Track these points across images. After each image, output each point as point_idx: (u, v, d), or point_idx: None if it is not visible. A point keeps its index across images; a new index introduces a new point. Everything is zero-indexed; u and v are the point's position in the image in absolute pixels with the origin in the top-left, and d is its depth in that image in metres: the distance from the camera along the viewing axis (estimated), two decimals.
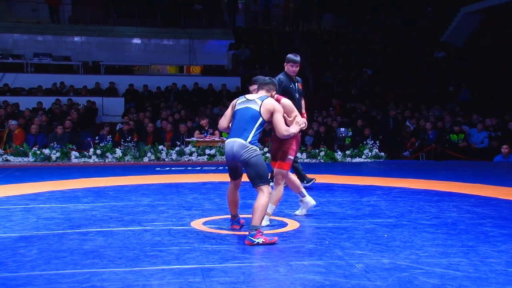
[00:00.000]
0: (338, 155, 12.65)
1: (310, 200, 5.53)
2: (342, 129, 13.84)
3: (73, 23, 20.00)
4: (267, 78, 4.91)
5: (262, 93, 4.74)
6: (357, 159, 12.58)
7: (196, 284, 3.28)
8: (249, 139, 4.44)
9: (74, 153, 11.96)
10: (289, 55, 6.84)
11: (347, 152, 12.76)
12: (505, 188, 7.71)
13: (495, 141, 13.30)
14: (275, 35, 20.89)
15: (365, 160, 12.53)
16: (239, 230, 4.78)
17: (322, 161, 12.45)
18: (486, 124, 13.87)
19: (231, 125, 4.65)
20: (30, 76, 17.26)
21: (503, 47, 18.65)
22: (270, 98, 4.66)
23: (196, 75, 19.10)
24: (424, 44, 20.26)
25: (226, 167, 4.71)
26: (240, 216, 4.90)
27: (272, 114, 4.57)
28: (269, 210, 4.92)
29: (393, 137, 13.94)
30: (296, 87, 6.94)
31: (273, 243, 4.23)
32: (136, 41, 20.13)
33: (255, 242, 4.18)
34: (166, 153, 12.22)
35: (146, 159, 12.05)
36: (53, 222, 5.16)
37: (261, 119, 4.52)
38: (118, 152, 12.07)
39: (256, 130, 4.50)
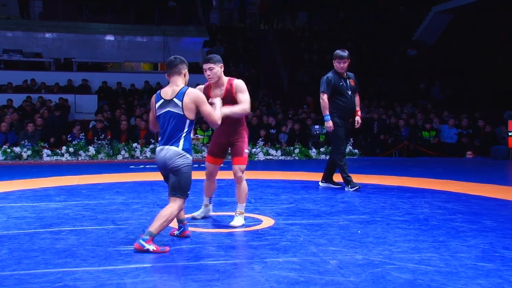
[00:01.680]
0: (313, 152, 12.74)
1: (210, 210, 5.25)
2: (317, 127, 13.93)
3: (44, 19, 19.69)
4: (171, 58, 4.37)
5: (177, 81, 4.24)
6: None
7: (171, 282, 3.26)
8: (181, 146, 4.10)
9: (46, 151, 11.79)
10: (336, 51, 6.69)
11: (322, 149, 12.86)
12: (474, 184, 7.86)
13: (465, 138, 13.57)
14: (250, 33, 20.89)
15: None
16: (207, 225, 4.78)
17: (296, 158, 12.51)
18: (457, 122, 14.13)
19: (160, 129, 4.23)
20: (0, 72, 16.93)
21: (472, 46, 19.02)
22: (188, 92, 4.14)
23: None
24: (397, 43, 20.52)
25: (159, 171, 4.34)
26: (213, 214, 4.89)
27: (197, 107, 4.15)
28: (238, 209, 4.87)
29: (378, 137, 13.91)
30: (348, 84, 6.74)
31: (164, 253, 3.89)
32: (109, 38, 19.91)
33: (145, 248, 3.85)
34: (140, 150, 12.14)
35: (120, 157, 11.95)
36: (24, 221, 5.07)
37: (188, 121, 4.13)
38: (92, 150, 11.95)
39: (186, 134, 4.15)
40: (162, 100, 4.20)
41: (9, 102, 14.70)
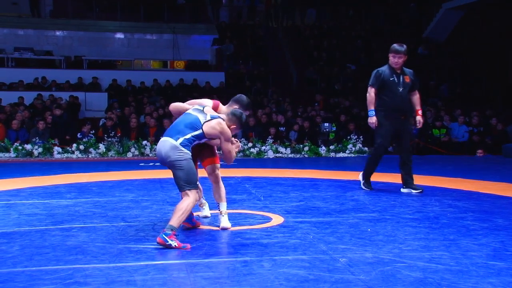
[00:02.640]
0: (322, 150, 12.71)
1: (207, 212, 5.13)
2: (326, 124, 13.89)
3: (55, 17, 19.80)
4: (238, 111, 4.47)
5: (224, 111, 4.53)
6: (341, 154, 12.65)
7: (180, 279, 3.27)
8: (179, 141, 4.17)
9: (56, 149, 11.86)
10: (393, 45, 6.35)
11: (331, 147, 12.83)
12: (486, 182, 7.80)
13: (477, 136, 13.47)
14: (259, 31, 20.88)
15: (349, 155, 12.61)
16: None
17: (306, 156, 12.49)
18: (467, 120, 14.03)
19: (172, 124, 4.44)
20: (11, 70, 17.06)
21: (483, 43, 18.87)
22: (220, 121, 4.31)
23: (180, 70, 19.03)
24: (407, 40, 20.41)
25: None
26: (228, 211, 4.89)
27: (216, 137, 4.33)
28: (223, 209, 4.71)
29: None
30: (401, 80, 6.36)
31: (186, 250, 3.92)
32: (119, 35, 19.98)
33: (168, 243, 3.90)
34: (150, 148, 12.17)
35: (129, 155, 11.99)
36: (35, 218, 5.11)
37: (200, 131, 4.24)
38: (102, 147, 12.00)
39: (191, 137, 4.22)
40: (201, 108, 4.40)
41: (20, 100, 14.80)
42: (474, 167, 10.55)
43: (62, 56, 18.21)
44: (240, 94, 4.79)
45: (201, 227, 4.72)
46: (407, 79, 6.42)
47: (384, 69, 6.43)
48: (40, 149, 11.75)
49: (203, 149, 4.72)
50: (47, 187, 7.22)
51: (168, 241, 3.91)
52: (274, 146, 12.58)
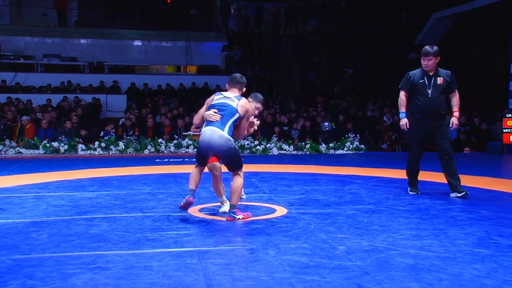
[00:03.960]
0: (322, 147, 12.69)
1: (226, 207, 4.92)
2: (326, 124, 13.86)
3: (79, 27, 19.87)
4: (238, 75, 4.76)
5: (235, 91, 4.63)
6: (340, 151, 12.63)
7: (193, 265, 3.28)
8: (226, 131, 4.40)
9: (80, 146, 11.90)
10: (423, 47, 5.76)
11: (331, 144, 12.81)
12: (472, 176, 7.76)
13: (464, 134, 13.40)
14: (265, 38, 20.85)
15: (347, 152, 12.58)
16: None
17: (307, 153, 12.48)
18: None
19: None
20: (40, 75, 17.14)
21: (470, 49, 18.75)
22: (245, 100, 4.59)
23: (192, 74, 19.03)
24: (400, 46, 20.32)
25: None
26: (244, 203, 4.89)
27: (244, 114, 4.54)
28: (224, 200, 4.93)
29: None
30: (432, 82, 5.74)
31: (249, 218, 4.52)
32: (137, 43, 20.01)
33: (237, 218, 4.39)
34: (165, 146, 12.20)
35: (146, 152, 12.02)
36: (61, 209, 5.13)
37: (237, 114, 4.48)
38: (121, 145, 12.04)
39: (231, 124, 4.46)
40: (221, 95, 4.57)
41: (48, 102, 14.87)
42: (461, 163, 10.48)
43: (86, 62, 18.28)
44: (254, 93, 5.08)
45: (212, 217, 4.72)
46: (441, 81, 5.80)
47: (416, 71, 5.90)
48: (66, 147, 11.81)
49: None
50: (72, 180, 7.26)
51: (236, 216, 4.39)
52: (278, 143, 12.57)
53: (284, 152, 12.43)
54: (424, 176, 7.74)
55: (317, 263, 3.29)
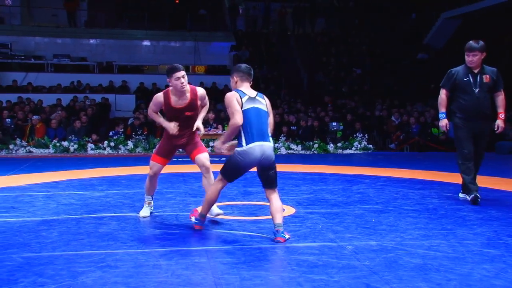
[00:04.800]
0: (330, 147, 12.66)
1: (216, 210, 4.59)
2: (334, 123, 13.82)
3: (89, 27, 19.97)
4: (247, 66, 4.08)
5: (248, 85, 4.03)
6: (348, 151, 12.59)
7: (201, 264, 3.28)
8: (272, 141, 3.97)
9: (90, 145, 11.96)
10: (468, 42, 5.29)
11: (339, 144, 12.77)
12: (480, 176, 7.67)
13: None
14: (273, 38, 20.83)
15: (355, 152, 12.54)
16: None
17: (315, 152, 12.45)
18: None
19: (248, 126, 3.86)
20: (50, 75, 17.23)
21: None
22: (264, 96, 4.09)
23: (201, 74, 19.06)
24: (408, 46, 20.23)
25: (235, 169, 3.95)
26: (239, 203, 4.88)
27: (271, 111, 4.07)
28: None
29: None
30: (477, 80, 5.27)
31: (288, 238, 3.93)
32: (146, 43, 20.07)
33: (286, 238, 3.81)
34: None
35: None
36: (71, 207, 5.16)
37: (269, 118, 4.02)
38: (130, 144, 12.08)
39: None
40: (247, 97, 3.93)
41: (58, 101, 14.94)
42: None
43: (95, 62, 18.36)
44: (238, 68, 4.12)
45: (220, 217, 4.71)
46: (487, 79, 5.31)
47: (459, 69, 5.41)
48: (76, 146, 11.86)
49: (189, 145, 4.52)
50: (81, 180, 7.29)
51: (286, 236, 3.81)
52: (286, 143, 12.56)
53: (292, 151, 12.42)
54: (432, 176, 7.70)
55: (325, 263, 3.28)
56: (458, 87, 5.38)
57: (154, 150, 4.46)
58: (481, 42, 5.27)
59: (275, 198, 3.95)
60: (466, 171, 5.46)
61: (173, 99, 4.42)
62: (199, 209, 4.25)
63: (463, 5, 18.42)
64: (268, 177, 3.94)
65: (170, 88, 4.43)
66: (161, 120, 4.51)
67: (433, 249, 3.58)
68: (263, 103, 3.99)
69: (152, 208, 4.88)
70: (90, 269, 3.15)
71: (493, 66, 5.56)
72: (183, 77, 4.30)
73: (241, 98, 3.89)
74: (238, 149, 3.88)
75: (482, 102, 5.33)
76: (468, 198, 5.38)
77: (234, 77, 4.06)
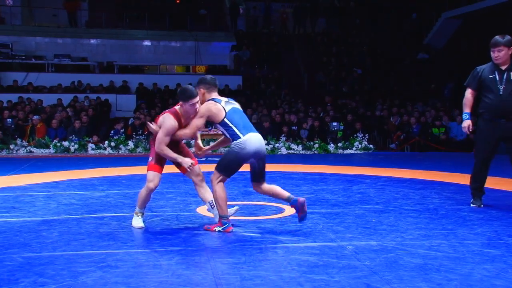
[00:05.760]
0: (331, 147, 12.65)
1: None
2: (335, 123, 13.82)
3: (89, 27, 19.98)
4: (212, 77, 4.20)
5: (217, 94, 4.16)
6: (348, 151, 12.58)
7: (202, 264, 3.28)
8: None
9: (90, 145, 11.96)
10: (493, 38, 4.92)
11: (339, 144, 12.77)
12: None
13: (473, 134, 13.28)
14: (273, 38, 20.83)
15: (355, 152, 12.53)
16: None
17: (316, 152, 12.45)
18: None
19: (237, 122, 4.01)
20: (51, 75, 17.25)
21: (479, 49, 18.61)
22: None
23: (201, 74, 19.06)
24: (409, 46, 20.22)
25: (239, 162, 4.01)
26: (240, 203, 4.88)
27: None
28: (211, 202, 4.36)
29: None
30: (505, 78, 4.87)
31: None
32: (147, 43, 20.08)
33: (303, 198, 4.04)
34: None
35: None
36: (72, 207, 5.16)
37: None
38: (131, 144, 12.08)
39: None
40: (226, 99, 4.14)
41: (58, 101, 14.95)
42: (470, 163, 10.39)
43: (96, 62, 18.37)
44: (203, 79, 4.21)
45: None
46: None
47: (485, 66, 5.07)
48: (76, 146, 11.87)
49: (176, 149, 4.34)
50: (82, 180, 7.30)
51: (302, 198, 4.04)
52: (287, 143, 12.55)
53: (292, 151, 12.41)
54: (433, 176, 7.70)
55: (325, 263, 3.28)
56: (483, 86, 5.04)
57: (149, 160, 4.28)
58: (508, 36, 4.88)
59: (268, 184, 4.16)
60: (477, 179, 5.27)
61: (182, 121, 4.22)
62: (214, 214, 4.20)
63: (463, 5, 18.41)
64: (261, 169, 4.11)
65: (177, 108, 4.21)
66: (175, 156, 4.16)
67: (433, 249, 3.58)
68: (237, 104, 4.22)
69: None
70: (90, 269, 3.15)
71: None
72: (197, 102, 4.12)
73: (220, 103, 4.05)
74: (236, 141, 4.01)
75: (508, 100, 4.89)
76: (471, 203, 5.29)
77: (201, 89, 4.15)
